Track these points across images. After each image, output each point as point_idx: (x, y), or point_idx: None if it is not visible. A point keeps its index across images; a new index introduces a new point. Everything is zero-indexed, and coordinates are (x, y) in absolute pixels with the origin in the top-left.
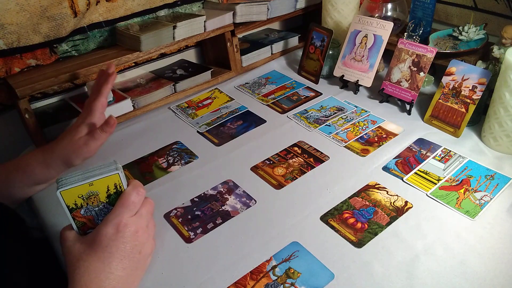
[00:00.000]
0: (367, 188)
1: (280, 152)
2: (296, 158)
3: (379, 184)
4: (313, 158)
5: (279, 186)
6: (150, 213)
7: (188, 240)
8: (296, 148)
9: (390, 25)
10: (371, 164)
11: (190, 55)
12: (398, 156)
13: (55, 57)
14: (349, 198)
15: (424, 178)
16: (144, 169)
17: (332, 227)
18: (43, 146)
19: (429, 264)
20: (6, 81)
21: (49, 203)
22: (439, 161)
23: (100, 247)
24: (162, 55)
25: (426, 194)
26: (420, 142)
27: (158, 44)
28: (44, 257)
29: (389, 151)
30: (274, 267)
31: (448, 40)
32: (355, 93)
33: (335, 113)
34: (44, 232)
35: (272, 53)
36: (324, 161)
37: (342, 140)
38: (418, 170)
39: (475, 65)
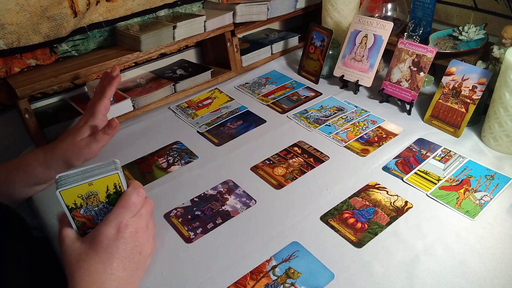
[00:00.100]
0: (367, 188)
1: (280, 152)
2: (296, 158)
3: (379, 184)
4: (313, 158)
5: (279, 186)
6: (149, 213)
7: (188, 240)
8: (296, 148)
9: (390, 25)
10: (371, 164)
11: (190, 55)
12: (398, 156)
13: (55, 57)
14: (349, 198)
15: (424, 178)
16: (144, 169)
17: (332, 227)
18: (44, 146)
19: (429, 264)
20: (6, 81)
21: (49, 203)
22: (439, 161)
23: (101, 248)
24: (162, 55)
25: (426, 194)
26: (420, 142)
27: (158, 44)
28: (44, 257)
29: (389, 151)
30: (274, 267)
31: (448, 40)
32: (355, 93)
33: (335, 113)
34: (44, 232)
35: (272, 53)
36: (324, 161)
37: (342, 140)
38: (418, 170)
39: (475, 65)
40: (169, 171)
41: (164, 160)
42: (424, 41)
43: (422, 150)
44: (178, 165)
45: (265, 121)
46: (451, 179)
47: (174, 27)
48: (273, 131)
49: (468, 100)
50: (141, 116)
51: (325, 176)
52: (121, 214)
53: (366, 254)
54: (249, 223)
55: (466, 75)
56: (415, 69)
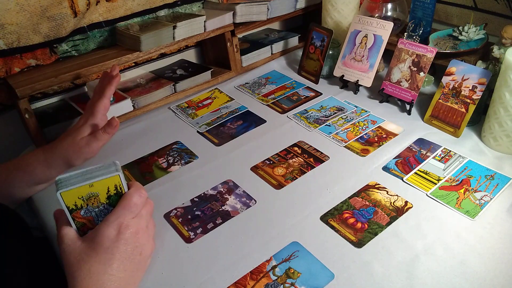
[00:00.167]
0: (367, 188)
1: (280, 152)
2: (296, 158)
3: (379, 184)
4: (313, 158)
5: (279, 186)
6: (149, 214)
7: (188, 240)
8: (296, 148)
9: (390, 25)
10: (371, 164)
11: (190, 55)
12: (398, 156)
13: (55, 57)
14: (349, 198)
15: (424, 178)
16: (144, 169)
17: (332, 227)
18: (44, 146)
19: (429, 264)
20: (6, 81)
21: (49, 203)
22: (439, 161)
23: (102, 249)
24: (162, 55)
25: (426, 194)
26: (420, 142)
27: (158, 44)
28: (44, 257)
29: (389, 151)
30: (274, 267)
31: (448, 40)
32: (355, 93)
33: (335, 113)
34: (44, 232)
35: (272, 53)
36: (324, 161)
37: (342, 140)
38: (418, 170)
39: (475, 65)
40: (169, 171)
41: (164, 160)
42: (424, 41)
43: (422, 150)
44: (178, 165)
45: (265, 121)
46: (451, 179)
47: (174, 27)
48: (273, 131)
49: (468, 100)
50: (141, 116)
51: (325, 176)
52: (122, 215)
53: (366, 254)
54: (249, 223)
55: (466, 75)
56: (415, 69)
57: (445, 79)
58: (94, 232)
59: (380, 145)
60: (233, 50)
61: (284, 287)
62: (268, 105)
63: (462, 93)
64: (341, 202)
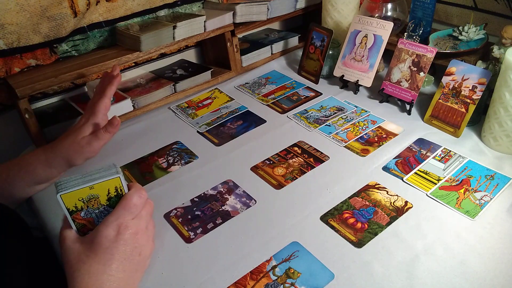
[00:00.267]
0: (367, 188)
1: (280, 152)
2: (296, 158)
3: (379, 184)
4: (313, 158)
5: (279, 186)
6: (149, 215)
7: (188, 240)
8: (296, 148)
9: (390, 25)
10: (371, 164)
11: (190, 55)
12: (398, 156)
13: (55, 57)
14: (349, 198)
15: (424, 178)
16: (144, 169)
17: (332, 227)
18: (45, 145)
19: (429, 264)
20: (6, 81)
21: (49, 203)
22: (439, 161)
23: (101, 249)
24: (162, 55)
25: (426, 194)
26: (420, 142)
27: (158, 44)
28: (44, 257)
29: (389, 151)
30: (274, 267)
31: (448, 40)
32: (355, 93)
33: (335, 113)
34: (44, 232)
35: (272, 53)
36: (324, 161)
37: (342, 140)
38: (418, 170)
39: (475, 65)
40: (169, 171)
41: (164, 160)
42: (424, 41)
43: (422, 150)
44: (178, 165)
45: (265, 121)
46: (451, 179)
47: (174, 27)
48: (273, 131)
49: (468, 100)
50: (141, 116)
51: (325, 176)
52: (121, 216)
53: (366, 254)
54: (249, 223)
55: (466, 75)
56: (415, 69)
57: (445, 79)
58: (93, 233)
59: (380, 145)
60: (233, 50)
61: (284, 287)
62: (268, 105)
63: (462, 93)
64: (341, 202)
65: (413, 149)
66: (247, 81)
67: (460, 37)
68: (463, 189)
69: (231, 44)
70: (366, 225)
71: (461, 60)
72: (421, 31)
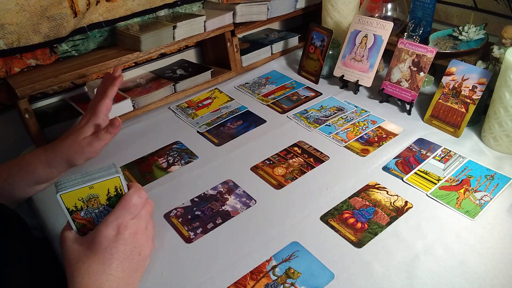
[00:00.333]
0: (367, 188)
1: (280, 152)
2: (296, 158)
3: (379, 184)
4: (313, 158)
5: (279, 186)
6: (149, 214)
7: (188, 240)
8: (296, 148)
9: (390, 25)
10: (371, 164)
11: (190, 55)
12: (398, 156)
13: (55, 57)
14: (349, 198)
15: (424, 178)
16: (144, 169)
17: (332, 227)
18: (45, 145)
19: (429, 264)
20: (6, 81)
21: (49, 203)
22: (439, 161)
23: (101, 249)
24: (162, 55)
25: (426, 194)
26: (420, 142)
27: (158, 44)
28: (44, 257)
29: (389, 151)
30: (274, 267)
31: (448, 40)
32: (355, 93)
33: (335, 113)
34: (44, 232)
35: (272, 53)
36: (324, 161)
37: (342, 140)
38: (418, 170)
39: (475, 65)
40: (169, 171)
41: (164, 160)
42: (424, 41)
43: (422, 150)
44: (178, 165)
45: (265, 121)
46: (451, 179)
47: (174, 27)
48: (273, 131)
49: (468, 100)
50: (141, 116)
51: (325, 176)
52: (121, 216)
53: (366, 254)
54: (249, 223)
55: (466, 75)
56: (415, 69)
57: (445, 79)
58: (93, 232)
59: (380, 145)
60: (233, 50)
61: (284, 287)
62: (268, 105)
63: (462, 93)
64: (341, 202)
65: (413, 149)
66: (247, 81)
67: (460, 37)
68: (463, 189)
69: (231, 44)
70: (366, 225)
71: (461, 60)
72: (421, 31)
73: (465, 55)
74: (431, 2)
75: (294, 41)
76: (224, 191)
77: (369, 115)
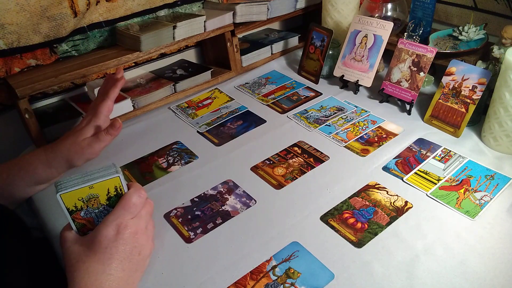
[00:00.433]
0: (367, 188)
1: (280, 152)
2: (296, 158)
3: (379, 184)
4: (313, 158)
5: (279, 186)
6: (149, 214)
7: (188, 240)
8: (296, 148)
9: (390, 25)
10: (371, 164)
11: (190, 55)
12: (398, 156)
13: (55, 57)
14: (349, 198)
15: (424, 178)
16: (144, 169)
17: (332, 227)
18: (45, 145)
19: (429, 264)
20: (6, 81)
21: (49, 203)
22: (439, 161)
23: (100, 249)
24: (162, 55)
25: (426, 194)
26: (420, 142)
27: (158, 44)
28: (44, 257)
29: (389, 151)
30: (274, 267)
31: (448, 40)
32: (355, 93)
33: (335, 113)
34: (44, 232)
35: (272, 53)
36: (324, 161)
37: (342, 140)
38: (418, 170)
39: (475, 65)
40: (169, 171)
41: (164, 160)
42: (424, 41)
43: (422, 150)
44: (178, 165)
45: (265, 121)
46: (451, 179)
47: (174, 27)
48: (273, 131)
49: (468, 100)
50: (141, 116)
51: (325, 176)
52: (121, 215)
53: (366, 254)
54: (249, 223)
55: (466, 75)
56: (415, 69)
57: (445, 79)
58: (93, 232)
59: (380, 145)
60: (233, 50)
61: (284, 287)
62: (268, 105)
63: (462, 93)
64: (341, 202)
65: (413, 149)
66: (247, 81)
67: (460, 37)
68: (463, 189)
69: (231, 44)
70: (366, 225)
71: (461, 60)
72: (421, 31)
73: (465, 55)
74: (431, 2)
75: (294, 41)
76: (224, 191)
77: (369, 115)
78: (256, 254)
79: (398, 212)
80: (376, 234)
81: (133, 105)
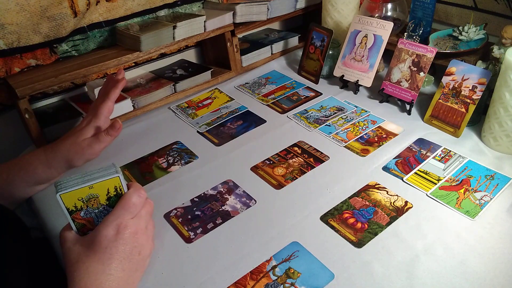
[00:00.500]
0: (367, 188)
1: (280, 152)
2: (296, 158)
3: (379, 184)
4: (313, 158)
5: (279, 186)
6: (149, 214)
7: (188, 240)
8: (296, 148)
9: (390, 25)
10: (371, 164)
11: (190, 55)
12: (398, 156)
13: (55, 57)
14: (349, 198)
15: (424, 178)
16: (144, 169)
17: (332, 227)
18: (45, 146)
19: (429, 264)
20: (6, 81)
21: (49, 203)
22: (439, 161)
23: (100, 249)
24: (162, 55)
25: (426, 194)
26: (420, 142)
27: (158, 44)
28: (44, 257)
29: (389, 151)
30: (274, 267)
31: (448, 40)
32: (355, 93)
33: (335, 113)
34: (44, 232)
35: (272, 53)
36: (324, 161)
37: (342, 140)
38: (418, 170)
39: (475, 65)
40: (169, 171)
41: (164, 160)
42: (424, 41)
43: (422, 150)
44: (178, 165)
45: (265, 121)
46: (451, 179)
47: (174, 27)
48: (273, 131)
49: (468, 100)
50: (141, 116)
51: (325, 176)
52: (121, 215)
53: (366, 254)
54: (249, 223)
55: (466, 75)
56: (415, 69)
57: (445, 79)
58: (93, 232)
59: (380, 145)
60: (233, 50)
61: (284, 287)
62: (268, 105)
63: (462, 93)
64: (341, 202)
65: (413, 149)
66: (247, 81)
67: (460, 37)
68: (463, 189)
69: (231, 44)
70: (366, 225)
71: (461, 60)
72: (421, 31)
73: (465, 55)
74: (431, 2)
75: (294, 41)
76: (224, 191)
77: (369, 115)
78: (256, 254)
79: (398, 212)
80: (376, 234)
81: (133, 105)
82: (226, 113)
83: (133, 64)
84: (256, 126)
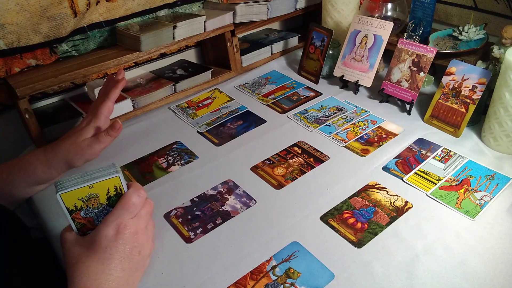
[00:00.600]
0: (367, 188)
1: (280, 152)
2: (296, 158)
3: (379, 184)
4: (313, 158)
5: (279, 186)
6: (149, 214)
7: (188, 240)
8: (296, 148)
9: (390, 25)
10: (371, 164)
11: (190, 55)
12: (398, 156)
13: (55, 57)
14: (349, 198)
15: (424, 178)
16: (144, 169)
17: (332, 227)
18: (45, 146)
19: (429, 264)
20: (6, 81)
21: (49, 203)
22: (439, 161)
23: (100, 249)
24: (162, 55)
25: (426, 194)
26: (420, 142)
27: (158, 44)
28: (44, 257)
29: (389, 151)
30: (274, 267)
31: (448, 40)
32: (355, 93)
33: (335, 113)
34: (44, 232)
35: (272, 53)
36: (324, 161)
37: (342, 140)
38: (418, 170)
39: (475, 65)
40: (169, 171)
41: (164, 160)
42: (424, 41)
43: (422, 150)
44: (178, 165)
45: (265, 121)
46: (451, 179)
47: (174, 27)
48: (273, 131)
49: (468, 100)
50: (141, 116)
51: (325, 176)
52: (120, 215)
53: (366, 254)
54: (249, 223)
55: (466, 75)
56: (415, 69)
57: (445, 79)
58: (93, 232)
59: (380, 145)
60: (233, 50)
61: (284, 287)
62: (268, 105)
63: (462, 93)
64: (341, 202)
65: (413, 149)
66: (247, 81)
67: (460, 37)
68: (463, 189)
69: (231, 44)
70: (366, 225)
71: (461, 60)
72: (421, 31)
73: (465, 55)
74: (431, 2)
75: (294, 41)
76: (224, 191)
77: (369, 115)
78: (256, 254)
79: (398, 212)
80: (376, 234)
81: (133, 105)
82: (226, 113)
83: (133, 64)
84: (256, 126)
